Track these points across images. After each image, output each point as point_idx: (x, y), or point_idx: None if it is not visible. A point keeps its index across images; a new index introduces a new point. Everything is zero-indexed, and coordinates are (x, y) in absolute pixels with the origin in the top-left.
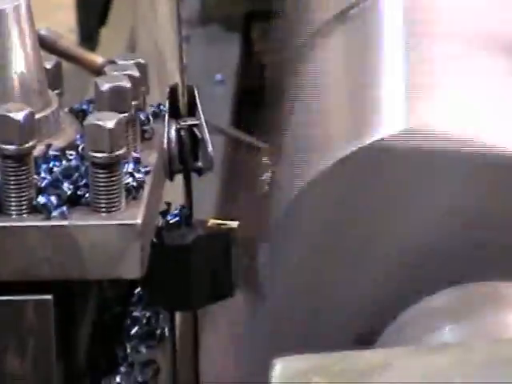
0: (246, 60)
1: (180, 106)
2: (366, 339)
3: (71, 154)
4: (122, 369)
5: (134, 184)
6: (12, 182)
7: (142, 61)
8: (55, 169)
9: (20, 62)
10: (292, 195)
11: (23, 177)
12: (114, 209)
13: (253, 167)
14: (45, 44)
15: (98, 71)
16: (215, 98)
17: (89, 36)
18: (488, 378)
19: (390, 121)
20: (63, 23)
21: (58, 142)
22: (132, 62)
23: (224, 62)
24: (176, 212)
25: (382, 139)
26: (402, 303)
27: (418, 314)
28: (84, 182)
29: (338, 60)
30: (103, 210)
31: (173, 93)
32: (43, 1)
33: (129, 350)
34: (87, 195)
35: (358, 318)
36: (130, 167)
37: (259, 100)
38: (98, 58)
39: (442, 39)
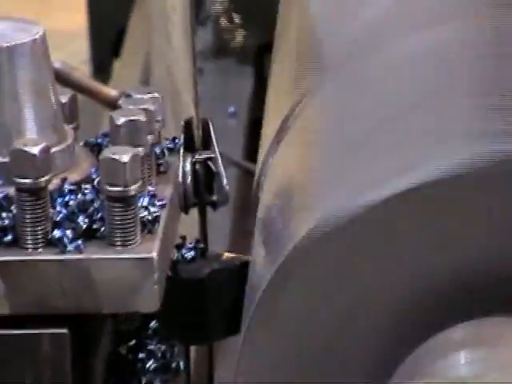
0: (260, 92)
1: (195, 139)
2: (380, 376)
3: (86, 188)
4: None
5: (150, 218)
6: (28, 216)
7: (157, 94)
8: (71, 202)
9: (35, 96)
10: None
11: (39, 210)
12: (129, 243)
13: None
14: (59, 76)
15: (112, 104)
16: (228, 131)
17: (102, 68)
18: None
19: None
20: (76, 54)
21: (74, 176)
22: (147, 95)
23: (237, 94)
24: (191, 245)
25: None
26: (418, 337)
27: (434, 348)
28: (99, 215)
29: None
30: (119, 243)
31: (188, 126)
32: (56, 31)
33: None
34: (103, 229)
35: (372, 354)
36: (145, 201)
37: None
38: (111, 91)
39: None
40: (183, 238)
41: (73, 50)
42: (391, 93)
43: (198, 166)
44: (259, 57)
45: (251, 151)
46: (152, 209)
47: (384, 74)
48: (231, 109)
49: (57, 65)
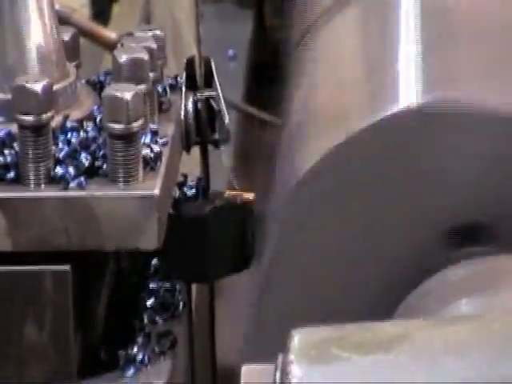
0: (259, 36)
1: (197, 77)
2: (382, 311)
3: (89, 126)
4: (139, 340)
5: (152, 155)
6: (30, 153)
7: (160, 33)
8: (73, 140)
9: (38, 33)
10: (305, 168)
11: (41, 148)
12: (131, 180)
13: (265, 142)
14: (59, 19)
15: (112, 46)
16: (228, 74)
17: (101, 11)
18: (505, 348)
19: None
20: None
21: (76, 114)
22: (149, 33)
23: (237, 38)
24: (193, 184)
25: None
26: (421, 274)
27: (436, 286)
28: (102, 153)
29: (350, 35)
30: (121, 181)
31: (190, 65)
32: None
33: (145, 321)
34: (105, 166)
35: (375, 289)
36: (147, 139)
37: (272, 75)
38: (111, 34)
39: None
40: (185, 176)
41: None
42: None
43: (199, 105)
44: (259, 0)
45: (250, 94)
46: (154, 146)
47: None
48: (230, 52)
49: (57, 7)
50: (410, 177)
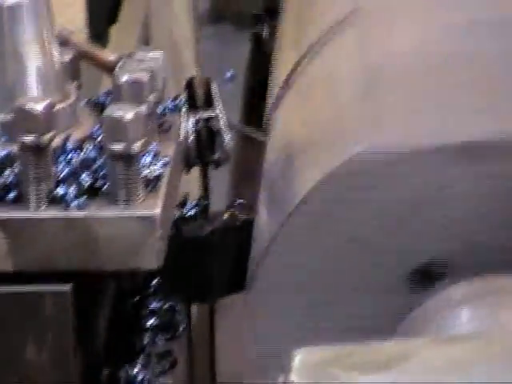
0: (257, 58)
1: (197, 98)
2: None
3: (89, 146)
4: (140, 360)
5: (152, 176)
6: (31, 174)
7: (159, 53)
8: (74, 160)
9: (38, 54)
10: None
11: (42, 168)
12: (132, 200)
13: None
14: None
15: (111, 68)
16: (226, 95)
17: (98, 34)
18: (508, 367)
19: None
20: (73, 21)
21: (76, 134)
22: (149, 54)
23: (234, 59)
24: (193, 204)
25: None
26: (423, 293)
27: (437, 304)
28: (102, 173)
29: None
30: (121, 201)
31: (190, 85)
32: None
33: (146, 342)
34: (106, 186)
35: (375, 307)
36: (148, 159)
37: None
38: (110, 55)
39: None
40: (185, 196)
41: (69, 18)
42: None
43: (199, 125)
44: (256, 23)
45: (248, 115)
46: (154, 167)
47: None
48: (228, 74)
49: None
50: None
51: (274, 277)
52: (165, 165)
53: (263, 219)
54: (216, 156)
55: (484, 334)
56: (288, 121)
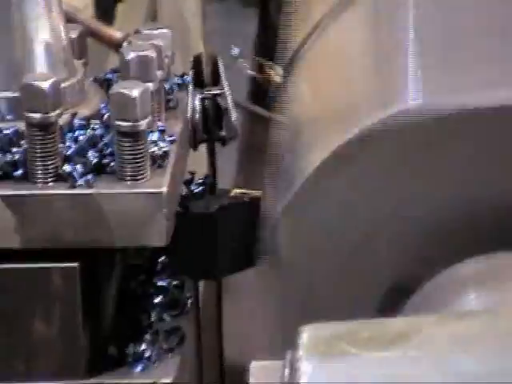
0: (264, 34)
1: (204, 75)
2: (392, 307)
3: (96, 123)
4: (147, 337)
5: (159, 153)
6: (38, 151)
7: (166, 30)
8: (81, 137)
9: (46, 31)
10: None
11: (49, 145)
12: (139, 177)
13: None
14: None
15: (117, 46)
16: (232, 72)
17: (105, 11)
18: None
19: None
20: None
21: (84, 111)
22: (156, 31)
23: (242, 36)
24: (200, 181)
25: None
26: (430, 270)
27: (445, 281)
28: (109, 150)
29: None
30: (128, 178)
31: (196, 62)
32: None
33: (153, 318)
34: (113, 164)
35: (385, 285)
36: (155, 136)
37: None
38: (116, 33)
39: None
40: (192, 173)
41: None
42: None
43: (206, 102)
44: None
45: (255, 93)
46: (162, 144)
47: None
48: (235, 50)
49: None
50: None
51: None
52: (172, 142)
53: (270, 195)
54: (223, 133)
55: (489, 311)
56: (296, 96)
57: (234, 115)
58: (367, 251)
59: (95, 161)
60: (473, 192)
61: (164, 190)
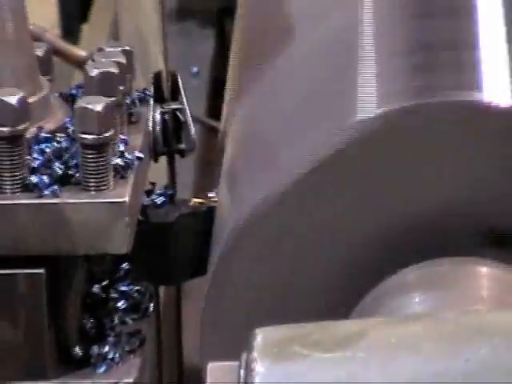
0: (221, 53)
1: (164, 91)
2: (339, 313)
3: (61, 136)
4: (110, 339)
5: (122, 164)
6: (6, 163)
7: (128, 48)
8: (47, 150)
9: (12, 48)
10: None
11: (17, 157)
12: (102, 187)
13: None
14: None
15: (81, 63)
16: (191, 90)
17: (70, 31)
18: (455, 344)
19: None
20: (45, 18)
21: (49, 125)
22: (119, 49)
23: (199, 55)
24: (160, 191)
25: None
26: (377, 277)
27: (392, 287)
28: (74, 162)
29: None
30: (92, 188)
31: (157, 78)
32: None
33: (116, 322)
34: (77, 175)
35: (332, 291)
36: (117, 148)
37: None
38: (81, 52)
39: None
40: (153, 184)
41: (42, 15)
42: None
43: (167, 117)
44: (220, 19)
45: (213, 109)
46: (124, 156)
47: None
48: (194, 69)
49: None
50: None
51: (237, 271)
52: (133, 154)
53: (224, 207)
54: (182, 146)
55: (433, 314)
56: (247, 112)
57: (192, 129)
58: (311, 263)
59: (61, 172)
60: (411, 206)
61: (126, 199)
